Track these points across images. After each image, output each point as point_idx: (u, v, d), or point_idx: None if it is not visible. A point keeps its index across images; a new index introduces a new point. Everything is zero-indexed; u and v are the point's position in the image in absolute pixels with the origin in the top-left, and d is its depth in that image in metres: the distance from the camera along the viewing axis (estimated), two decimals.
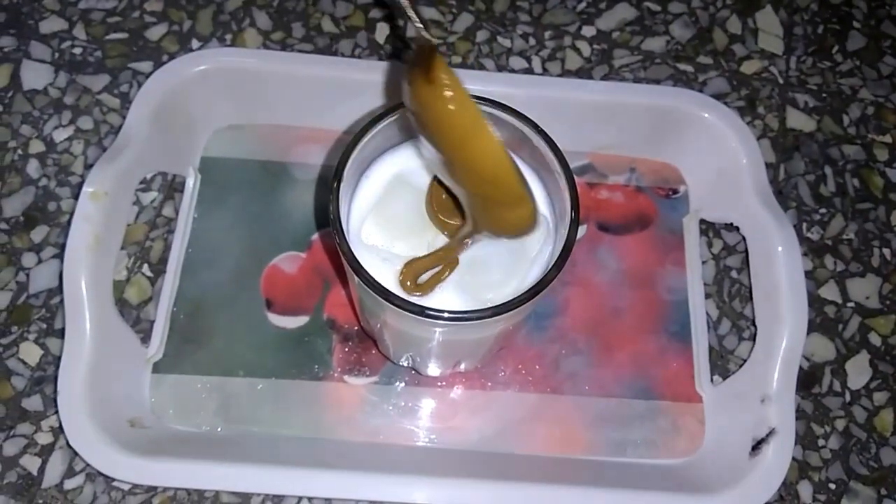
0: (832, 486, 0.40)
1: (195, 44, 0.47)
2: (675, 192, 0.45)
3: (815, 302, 0.44)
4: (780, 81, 0.49)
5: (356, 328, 0.41)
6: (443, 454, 0.39)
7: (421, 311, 0.27)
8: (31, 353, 0.40)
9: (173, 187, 0.44)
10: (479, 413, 0.40)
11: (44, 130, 0.45)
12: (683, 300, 0.43)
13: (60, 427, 0.36)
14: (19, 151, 0.44)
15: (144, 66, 0.47)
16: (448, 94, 0.26)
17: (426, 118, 0.27)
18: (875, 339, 0.43)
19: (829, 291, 0.44)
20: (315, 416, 0.39)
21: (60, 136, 0.45)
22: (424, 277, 0.31)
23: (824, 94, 0.49)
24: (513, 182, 0.27)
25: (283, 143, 0.45)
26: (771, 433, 0.37)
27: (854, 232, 0.45)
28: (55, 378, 0.36)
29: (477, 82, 0.42)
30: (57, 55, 0.47)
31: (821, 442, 0.41)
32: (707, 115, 0.43)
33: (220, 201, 0.44)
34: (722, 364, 0.42)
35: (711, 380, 0.41)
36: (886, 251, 0.45)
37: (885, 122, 0.48)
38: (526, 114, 0.31)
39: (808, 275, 0.44)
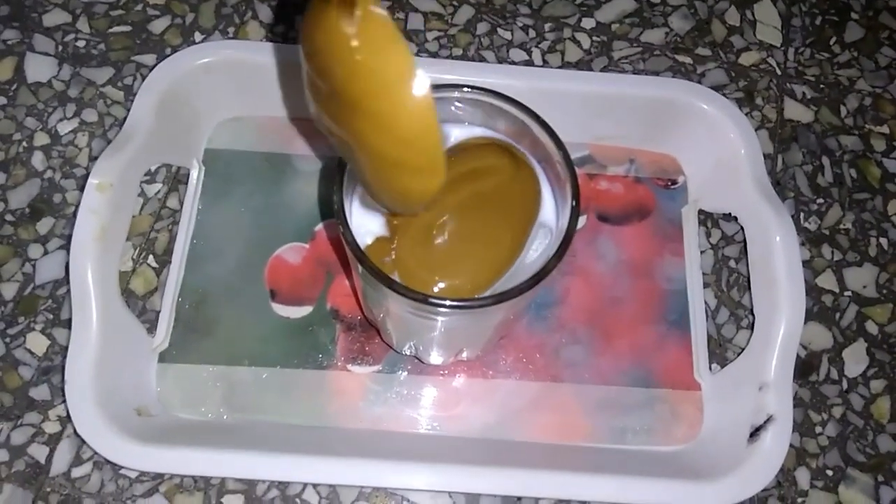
0: (829, 472, 0.40)
1: (198, 36, 0.48)
2: (674, 182, 0.46)
3: (812, 291, 0.44)
4: (779, 73, 0.49)
5: (359, 318, 0.42)
6: (445, 441, 0.39)
7: (424, 298, 0.28)
8: (38, 343, 0.41)
9: (177, 179, 0.44)
10: (481, 401, 0.40)
11: (48, 123, 0.45)
12: (682, 289, 0.43)
13: (68, 416, 0.36)
14: (24, 144, 0.45)
15: (148, 58, 0.47)
16: (379, 28, 0.22)
17: (337, 59, 0.23)
18: (872, 328, 0.44)
19: (827, 280, 0.45)
20: (319, 404, 0.40)
21: (65, 128, 0.45)
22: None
23: (822, 85, 0.49)
24: (436, 144, 0.24)
25: (287, 134, 0.45)
26: (769, 420, 0.37)
27: (851, 222, 0.46)
28: (62, 368, 0.37)
29: (478, 74, 0.42)
30: (61, 48, 0.47)
31: (818, 429, 0.41)
32: (706, 107, 0.43)
33: (224, 193, 0.44)
34: (720, 352, 0.42)
35: (710, 368, 0.42)
36: (883, 241, 0.46)
37: (882, 113, 0.49)
38: (527, 104, 0.31)
39: (806, 264, 0.44)
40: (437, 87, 0.31)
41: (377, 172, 0.26)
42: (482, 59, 0.48)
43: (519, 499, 0.38)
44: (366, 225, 0.31)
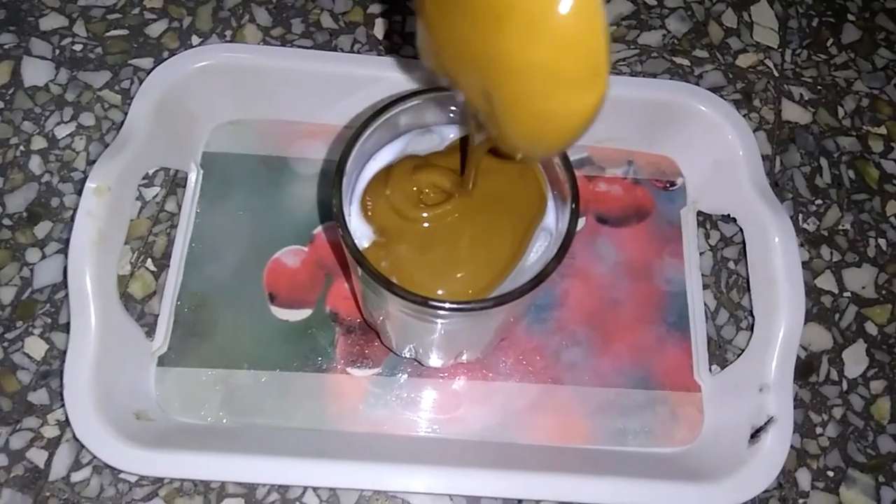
0: (830, 473, 0.40)
1: (195, 40, 0.48)
2: (673, 184, 0.46)
3: (811, 292, 0.44)
4: (776, 74, 0.49)
5: (358, 321, 0.41)
6: (445, 444, 0.39)
7: (423, 301, 0.28)
8: (36, 347, 0.40)
9: (175, 182, 0.44)
10: (481, 403, 0.40)
11: (45, 127, 0.45)
12: (681, 291, 0.43)
13: (67, 420, 0.36)
14: (21, 148, 0.45)
15: (145, 62, 0.47)
16: None
17: None
18: (871, 329, 0.44)
19: (826, 281, 0.45)
20: (319, 407, 0.40)
21: (62, 132, 0.45)
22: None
23: (819, 87, 0.49)
24: (599, 46, 0.20)
25: (284, 138, 0.45)
26: (769, 421, 0.37)
27: (850, 223, 0.46)
28: (61, 372, 0.37)
29: None
30: (58, 52, 0.47)
31: (819, 430, 0.41)
32: (703, 108, 0.43)
33: (222, 196, 0.44)
34: (720, 354, 0.42)
35: (710, 369, 0.42)
36: (882, 241, 0.46)
37: (879, 114, 0.49)
38: None
39: (805, 265, 0.44)
40: (437, 89, 0.31)
41: (522, 97, 0.22)
42: None
43: (519, 501, 0.38)
44: (364, 228, 0.31)
